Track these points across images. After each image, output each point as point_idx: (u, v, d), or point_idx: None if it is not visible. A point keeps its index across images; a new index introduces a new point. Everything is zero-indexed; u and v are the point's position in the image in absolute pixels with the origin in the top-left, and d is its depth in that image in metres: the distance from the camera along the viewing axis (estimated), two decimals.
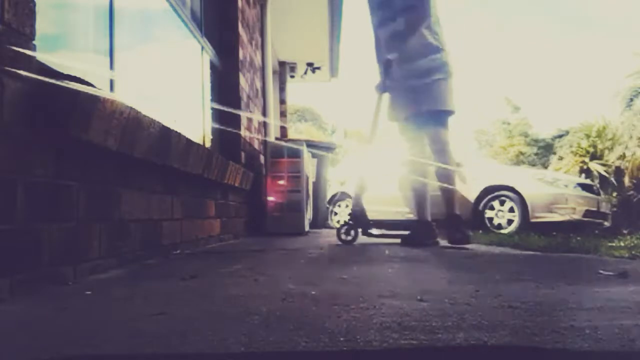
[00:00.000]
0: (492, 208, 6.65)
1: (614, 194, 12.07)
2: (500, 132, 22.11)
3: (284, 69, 8.26)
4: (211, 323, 0.98)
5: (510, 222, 6.51)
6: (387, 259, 2.26)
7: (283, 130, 7.37)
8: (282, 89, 8.31)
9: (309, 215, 4.87)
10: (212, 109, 3.79)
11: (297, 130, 22.83)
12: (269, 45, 5.21)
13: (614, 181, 12.44)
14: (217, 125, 3.80)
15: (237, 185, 3.52)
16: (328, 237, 4.21)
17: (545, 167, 14.54)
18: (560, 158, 14.23)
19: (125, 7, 2.30)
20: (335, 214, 8.49)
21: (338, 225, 8.25)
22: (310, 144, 5.29)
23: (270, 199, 4.44)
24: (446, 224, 3.29)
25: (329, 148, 6.14)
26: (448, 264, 2.11)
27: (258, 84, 4.91)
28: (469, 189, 6.77)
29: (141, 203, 2.04)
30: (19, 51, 1.24)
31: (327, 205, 7.53)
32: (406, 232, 3.39)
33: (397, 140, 3.53)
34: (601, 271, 1.79)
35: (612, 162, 12.46)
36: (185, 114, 3.40)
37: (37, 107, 1.31)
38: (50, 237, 1.39)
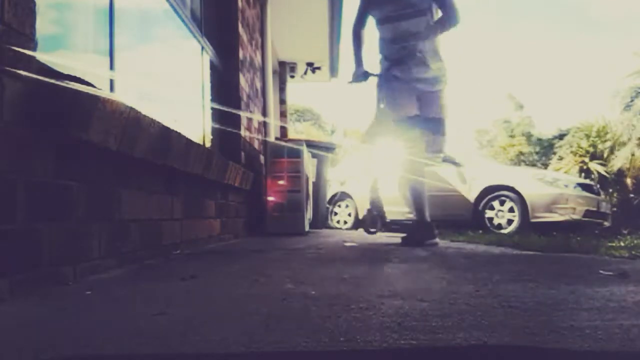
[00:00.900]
0: (492, 208, 6.65)
1: (614, 194, 12.06)
2: (501, 131, 22.10)
3: (284, 69, 8.25)
4: (211, 323, 0.98)
5: (510, 222, 6.51)
6: (387, 259, 2.26)
7: (283, 130, 7.36)
8: (282, 89, 8.30)
9: (309, 215, 4.87)
10: (212, 108, 3.79)
11: (297, 130, 22.83)
12: (269, 45, 5.21)
13: (614, 181, 12.44)
14: (217, 125, 3.80)
15: (237, 185, 3.52)
16: (328, 237, 4.21)
17: (545, 167, 14.53)
18: (560, 158, 14.22)
19: (126, 7, 2.30)
20: (335, 214, 8.49)
21: (338, 225, 8.29)
22: (310, 144, 5.29)
23: (270, 199, 4.44)
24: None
25: (329, 148, 6.14)
26: (448, 264, 2.11)
27: (258, 84, 4.91)
28: (469, 189, 6.78)
29: (141, 203, 2.04)
30: (19, 51, 1.24)
31: (327, 205, 7.52)
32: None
33: (393, 138, 3.49)
34: (601, 271, 1.79)
35: (614, 164, 12.45)
36: (186, 114, 3.40)
37: (37, 107, 1.31)
38: (50, 237, 1.39)
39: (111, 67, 2.10)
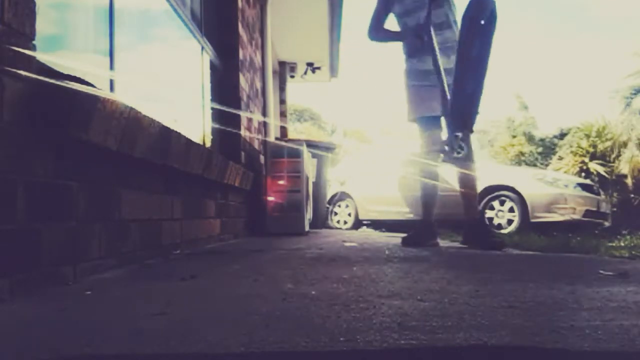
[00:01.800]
0: (492, 208, 6.66)
1: (615, 194, 12.07)
2: (502, 131, 22.06)
3: (284, 69, 8.25)
4: (211, 323, 0.98)
5: (510, 222, 6.52)
6: (387, 259, 2.26)
7: (283, 130, 7.36)
8: (282, 89, 8.30)
9: (309, 215, 4.87)
10: (212, 109, 3.79)
11: (297, 130, 22.82)
12: (269, 45, 5.21)
13: (614, 182, 12.43)
14: (217, 125, 3.80)
15: (237, 185, 3.52)
16: (328, 237, 4.21)
17: (546, 167, 14.53)
18: (560, 158, 14.22)
19: (126, 7, 2.30)
20: (335, 214, 8.49)
21: (338, 225, 8.28)
22: (310, 144, 5.29)
23: (270, 199, 4.44)
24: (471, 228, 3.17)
25: (329, 148, 6.14)
26: (448, 264, 2.11)
27: (258, 84, 4.91)
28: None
29: (141, 203, 2.04)
30: (19, 51, 1.24)
31: (327, 205, 7.52)
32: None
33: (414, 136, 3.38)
34: (601, 271, 1.79)
35: (621, 168, 12.44)
36: (186, 114, 3.40)
37: (37, 107, 1.31)
38: (50, 237, 1.39)
39: (111, 67, 2.10)
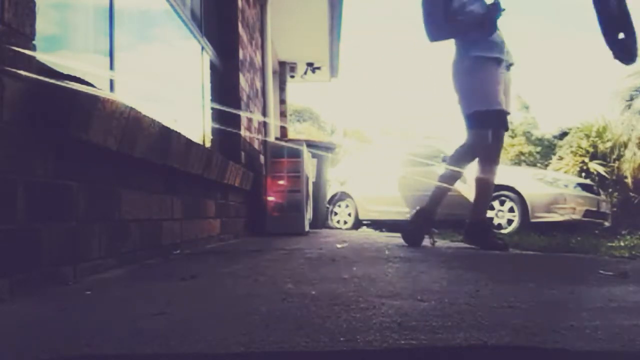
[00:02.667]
0: (492, 208, 6.65)
1: (615, 194, 12.06)
2: None
3: (284, 69, 8.26)
4: (211, 323, 0.98)
5: (510, 222, 6.52)
6: (387, 259, 2.26)
7: (283, 130, 7.36)
8: (282, 89, 8.31)
9: (309, 215, 4.87)
10: (212, 109, 3.79)
11: (297, 130, 22.83)
12: (269, 45, 5.21)
13: (614, 181, 12.43)
14: (217, 125, 3.80)
15: (237, 185, 3.52)
16: (328, 237, 4.21)
17: (545, 167, 14.52)
18: (560, 158, 14.21)
19: (126, 7, 2.30)
20: (335, 214, 8.49)
21: (339, 225, 8.29)
22: (310, 144, 5.29)
23: (270, 199, 4.44)
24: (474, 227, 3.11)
25: (328, 148, 6.14)
26: (448, 264, 2.11)
27: (258, 84, 4.91)
28: (469, 189, 6.77)
29: (141, 203, 2.04)
30: (19, 51, 1.24)
31: (327, 205, 7.53)
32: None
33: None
34: (601, 271, 1.79)
35: (617, 165, 12.44)
36: (186, 114, 3.40)
37: (37, 107, 1.31)
38: (50, 237, 1.39)
39: (111, 67, 2.10)
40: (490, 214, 6.64)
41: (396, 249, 2.84)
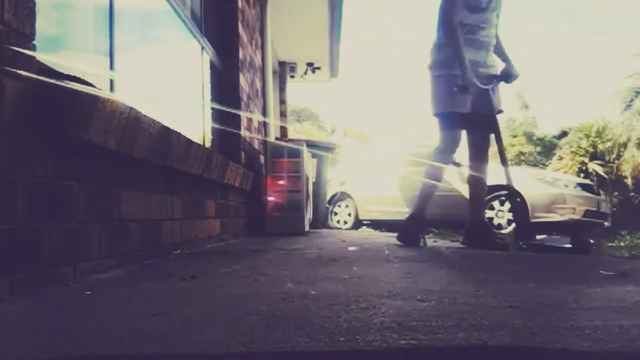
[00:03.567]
0: (492, 208, 6.65)
1: (615, 194, 12.07)
2: (503, 131, 22.01)
3: (284, 69, 8.25)
4: (211, 323, 0.98)
5: (510, 222, 6.51)
6: (387, 259, 2.26)
7: (283, 130, 7.36)
8: (282, 89, 8.30)
9: (309, 215, 4.87)
10: (212, 109, 3.79)
11: (297, 130, 22.83)
12: (269, 45, 5.21)
13: (614, 182, 12.44)
14: (217, 125, 3.80)
15: (237, 185, 3.52)
16: (328, 237, 4.21)
17: (545, 167, 14.52)
18: (560, 158, 14.22)
19: (126, 7, 2.30)
20: (335, 214, 8.48)
21: (338, 225, 8.29)
22: (310, 144, 5.28)
23: (270, 199, 4.44)
24: (473, 229, 3.13)
25: (328, 148, 6.14)
26: (448, 264, 2.11)
27: (258, 84, 4.91)
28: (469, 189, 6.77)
29: (141, 203, 2.04)
30: (19, 51, 1.24)
31: (327, 205, 7.52)
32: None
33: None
34: (601, 271, 1.79)
35: (617, 165, 12.45)
36: (186, 114, 3.40)
37: (37, 107, 1.31)
38: (50, 237, 1.39)
39: (111, 67, 2.10)
40: (490, 214, 6.64)
41: (396, 249, 2.84)
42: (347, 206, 8.42)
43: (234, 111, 3.88)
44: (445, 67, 3.06)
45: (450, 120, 3.09)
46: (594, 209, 6.70)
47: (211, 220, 3.11)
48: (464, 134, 3.19)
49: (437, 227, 5.56)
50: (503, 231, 6.20)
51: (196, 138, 3.05)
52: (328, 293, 1.30)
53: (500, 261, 2.36)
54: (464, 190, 6.82)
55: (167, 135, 2.09)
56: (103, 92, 1.56)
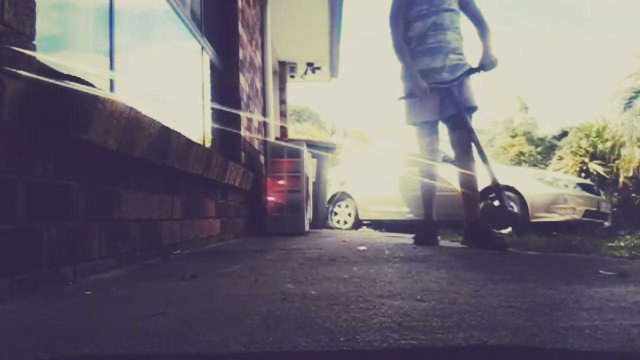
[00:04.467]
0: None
1: (615, 194, 12.06)
2: (502, 131, 22.03)
3: (284, 69, 8.25)
4: (211, 323, 0.98)
5: None
6: (387, 259, 2.26)
7: (283, 130, 7.36)
8: (282, 89, 8.30)
9: (309, 215, 4.87)
10: (212, 109, 3.79)
11: (297, 130, 22.83)
12: (269, 45, 5.21)
13: (614, 181, 12.44)
14: (217, 125, 3.80)
15: (237, 185, 3.52)
16: (328, 237, 4.21)
17: (545, 167, 14.52)
18: (560, 158, 14.21)
19: (126, 7, 2.30)
20: (335, 214, 8.48)
21: (338, 225, 8.29)
22: (310, 144, 5.28)
23: (270, 199, 4.44)
24: (472, 228, 3.15)
25: (329, 148, 6.13)
26: (448, 264, 2.11)
27: (258, 84, 4.91)
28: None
29: (141, 203, 2.04)
30: (19, 51, 1.24)
31: (327, 205, 7.52)
32: None
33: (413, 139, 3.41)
34: (601, 271, 1.79)
35: (617, 165, 12.45)
36: (186, 114, 3.40)
37: (37, 107, 1.31)
38: (50, 237, 1.39)
39: (111, 67, 2.10)
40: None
41: (396, 249, 2.84)
42: (347, 206, 8.42)
43: (234, 111, 3.88)
44: (406, 80, 3.26)
45: (422, 129, 3.27)
46: (594, 209, 6.70)
47: (211, 220, 3.11)
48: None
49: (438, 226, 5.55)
50: (503, 231, 6.21)
51: (196, 138, 3.05)
52: (328, 293, 1.30)
53: (500, 261, 2.36)
54: None
55: (167, 135, 2.09)
56: (103, 92, 1.56)
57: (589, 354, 0.80)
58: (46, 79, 1.32)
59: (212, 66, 3.83)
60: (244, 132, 4.06)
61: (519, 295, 1.29)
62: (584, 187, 7.00)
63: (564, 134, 16.32)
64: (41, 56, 1.37)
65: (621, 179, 12.29)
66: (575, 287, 1.44)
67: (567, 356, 0.80)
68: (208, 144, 3.66)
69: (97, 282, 1.50)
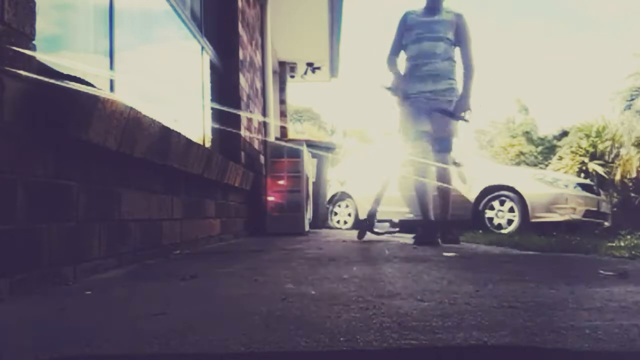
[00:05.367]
0: (492, 208, 6.65)
1: (615, 194, 12.06)
2: (502, 131, 22.04)
3: (284, 69, 8.25)
4: (211, 323, 0.98)
5: (510, 222, 6.51)
6: (387, 259, 2.26)
7: (283, 130, 7.36)
8: (282, 89, 8.30)
9: (309, 215, 4.87)
10: (212, 109, 3.79)
11: (297, 131, 22.81)
12: (269, 45, 5.21)
13: (614, 181, 12.43)
14: (217, 125, 3.80)
15: (237, 185, 3.52)
16: (328, 237, 4.21)
17: (545, 167, 14.51)
18: (560, 158, 14.20)
19: (126, 7, 2.30)
20: (335, 214, 8.48)
21: (338, 225, 8.29)
22: (310, 144, 5.28)
23: (270, 199, 4.44)
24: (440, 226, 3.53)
25: (329, 148, 6.13)
26: (448, 264, 2.11)
27: (258, 84, 4.91)
28: (468, 189, 6.77)
29: (141, 203, 2.04)
30: (19, 51, 1.24)
31: (327, 205, 7.51)
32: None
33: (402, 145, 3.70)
34: (601, 271, 1.79)
35: (617, 165, 12.44)
36: (186, 114, 3.40)
37: (37, 107, 1.31)
38: (50, 237, 1.39)
39: (111, 67, 2.10)
40: (490, 214, 6.64)
41: (396, 249, 2.84)
42: (347, 206, 8.42)
43: (234, 111, 3.88)
44: (400, 92, 3.61)
45: (415, 137, 3.58)
46: (594, 209, 6.70)
47: (211, 220, 3.11)
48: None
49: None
50: (503, 231, 6.20)
51: (196, 138, 3.05)
52: (328, 293, 1.30)
53: (500, 261, 2.36)
54: (464, 190, 6.84)
55: (167, 135, 2.09)
56: (103, 92, 1.56)
57: (589, 354, 0.80)
58: (46, 79, 1.32)
59: (212, 66, 3.83)
60: (244, 132, 4.06)
61: (519, 295, 1.29)
62: (584, 187, 6.99)
63: (564, 134, 16.31)
64: (41, 56, 1.37)
65: (618, 178, 12.29)
66: (575, 287, 1.44)
67: (567, 356, 0.80)
68: (208, 144, 3.66)
69: (97, 282, 1.50)
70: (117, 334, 0.90)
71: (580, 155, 13.10)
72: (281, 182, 4.45)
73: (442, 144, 3.54)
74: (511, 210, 6.54)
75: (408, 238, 3.78)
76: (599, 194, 7.30)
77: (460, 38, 3.53)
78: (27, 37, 1.29)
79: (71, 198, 1.51)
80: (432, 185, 3.60)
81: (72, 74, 1.47)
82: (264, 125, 4.93)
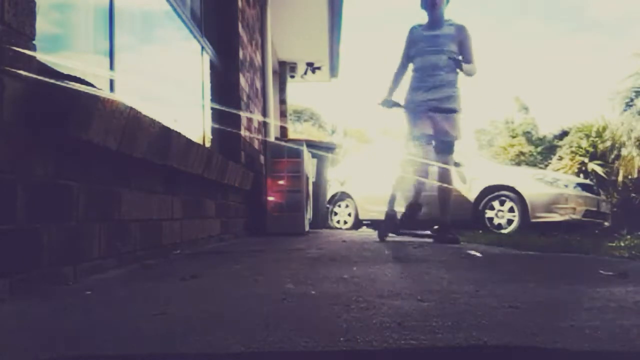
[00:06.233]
0: (492, 208, 6.65)
1: (615, 194, 12.06)
2: (502, 131, 22.04)
3: (284, 69, 8.25)
4: (211, 323, 0.98)
5: (510, 222, 6.51)
6: (387, 259, 2.26)
7: (283, 130, 7.36)
8: (282, 89, 8.29)
9: (309, 215, 4.87)
10: (212, 109, 3.79)
11: (297, 131, 22.81)
12: (269, 45, 5.21)
13: (614, 181, 12.43)
14: (217, 125, 3.80)
15: (237, 185, 3.52)
16: (328, 237, 4.21)
17: (545, 167, 14.51)
18: (560, 158, 14.21)
19: (126, 7, 2.30)
20: (335, 214, 8.48)
21: (339, 225, 8.29)
22: (310, 144, 5.28)
23: (270, 199, 4.44)
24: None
25: (329, 148, 6.13)
26: (448, 264, 2.11)
27: (258, 84, 4.91)
28: (468, 189, 6.77)
29: (141, 203, 2.04)
30: (19, 51, 1.24)
31: (327, 205, 7.51)
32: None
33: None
34: (601, 271, 1.79)
35: (617, 165, 12.45)
36: (186, 114, 3.40)
37: (37, 107, 1.31)
38: (50, 237, 1.39)
39: (111, 68, 2.10)
40: (490, 214, 6.65)
41: (396, 249, 2.84)
42: (347, 206, 8.42)
43: (234, 111, 3.88)
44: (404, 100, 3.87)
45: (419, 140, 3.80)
46: (594, 209, 6.70)
47: (211, 220, 3.11)
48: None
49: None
50: (503, 231, 6.21)
51: (196, 138, 3.05)
52: (328, 293, 1.30)
53: (500, 261, 2.36)
54: (464, 190, 6.84)
55: (167, 135, 2.09)
56: (103, 92, 1.56)
57: (589, 354, 0.80)
58: (46, 79, 1.32)
59: (212, 66, 3.83)
60: (244, 132, 4.06)
61: (519, 295, 1.29)
62: (584, 187, 7.00)
63: (564, 133, 16.30)
64: (41, 56, 1.37)
65: (620, 178, 12.29)
66: (575, 287, 1.44)
67: (567, 356, 0.80)
68: (208, 144, 3.66)
69: (97, 282, 1.50)
70: (117, 334, 0.90)
71: (580, 156, 13.11)
72: (281, 182, 4.45)
73: (443, 146, 3.72)
74: (511, 210, 6.54)
75: (408, 238, 3.79)
76: (598, 194, 7.30)
77: (462, 50, 3.74)
78: (27, 37, 1.29)
79: (71, 198, 1.51)
80: (431, 185, 3.78)
81: (72, 74, 1.47)
82: (264, 125, 4.92)
